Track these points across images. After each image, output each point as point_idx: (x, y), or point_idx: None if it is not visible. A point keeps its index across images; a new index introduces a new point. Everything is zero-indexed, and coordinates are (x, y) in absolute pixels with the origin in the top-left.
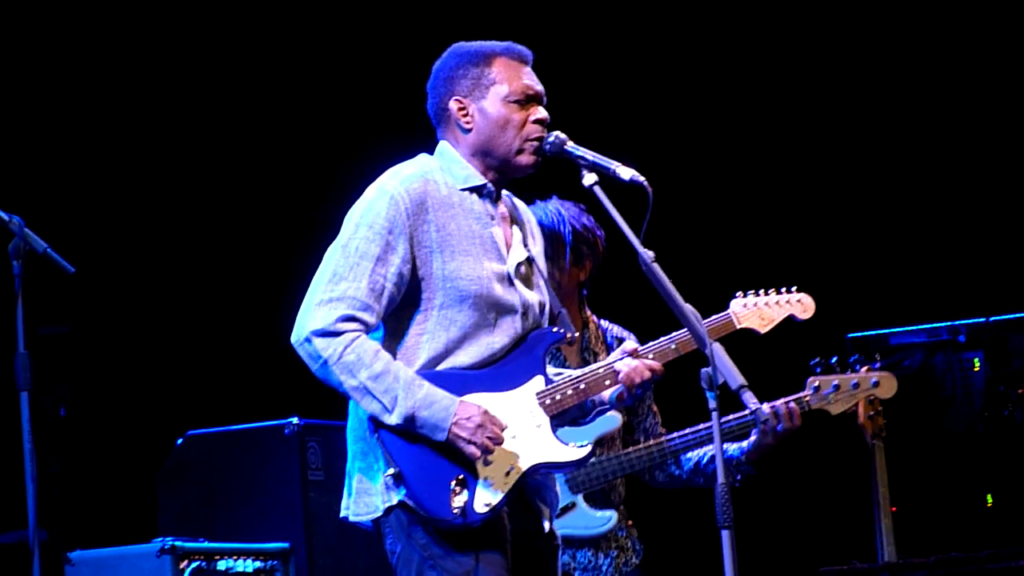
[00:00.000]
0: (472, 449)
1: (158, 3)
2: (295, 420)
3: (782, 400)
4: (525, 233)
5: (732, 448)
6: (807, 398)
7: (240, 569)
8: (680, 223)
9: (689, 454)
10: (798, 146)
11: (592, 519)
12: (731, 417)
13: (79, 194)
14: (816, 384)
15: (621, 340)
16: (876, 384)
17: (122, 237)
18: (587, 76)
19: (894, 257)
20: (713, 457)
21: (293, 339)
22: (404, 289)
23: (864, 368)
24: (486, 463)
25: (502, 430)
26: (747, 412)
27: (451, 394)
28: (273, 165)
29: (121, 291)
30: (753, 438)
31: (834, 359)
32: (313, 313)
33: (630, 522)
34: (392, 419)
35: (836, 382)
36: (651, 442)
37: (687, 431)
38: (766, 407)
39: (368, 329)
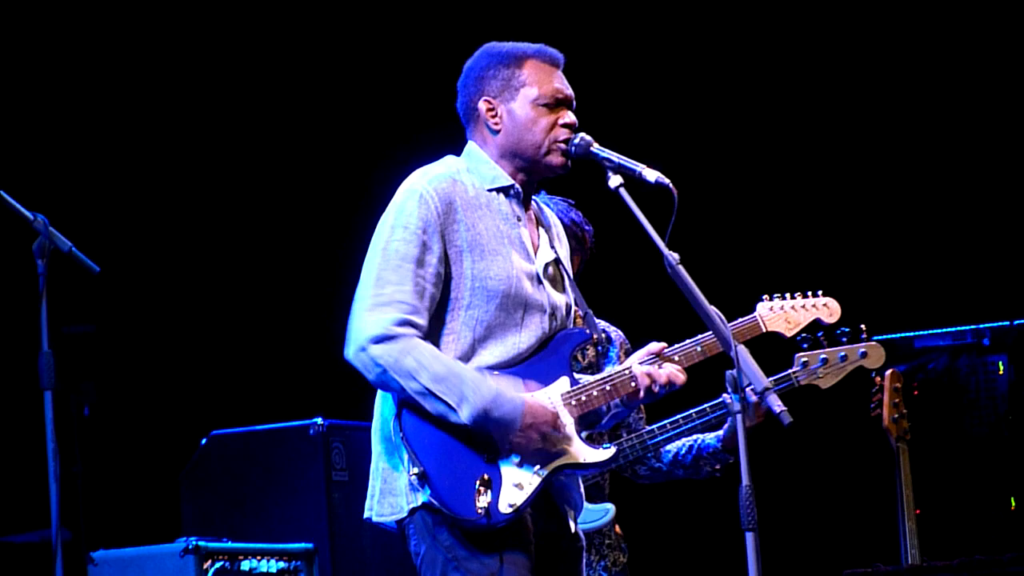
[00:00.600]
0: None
1: (196, 3)
2: (320, 420)
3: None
4: (552, 236)
5: (709, 438)
6: (796, 374)
7: (264, 569)
8: (706, 226)
9: (668, 446)
10: (825, 150)
11: (591, 513)
12: (707, 406)
13: (104, 193)
14: (804, 360)
15: (609, 337)
16: (864, 355)
17: (147, 236)
18: (614, 79)
19: (920, 260)
20: (691, 447)
21: (350, 349)
22: (441, 288)
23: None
24: (511, 463)
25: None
26: (720, 401)
27: (517, 388)
28: (302, 166)
29: (146, 290)
30: (728, 425)
31: (820, 333)
32: (365, 320)
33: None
34: (461, 418)
35: (824, 356)
36: (632, 436)
37: (665, 423)
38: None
39: (421, 332)
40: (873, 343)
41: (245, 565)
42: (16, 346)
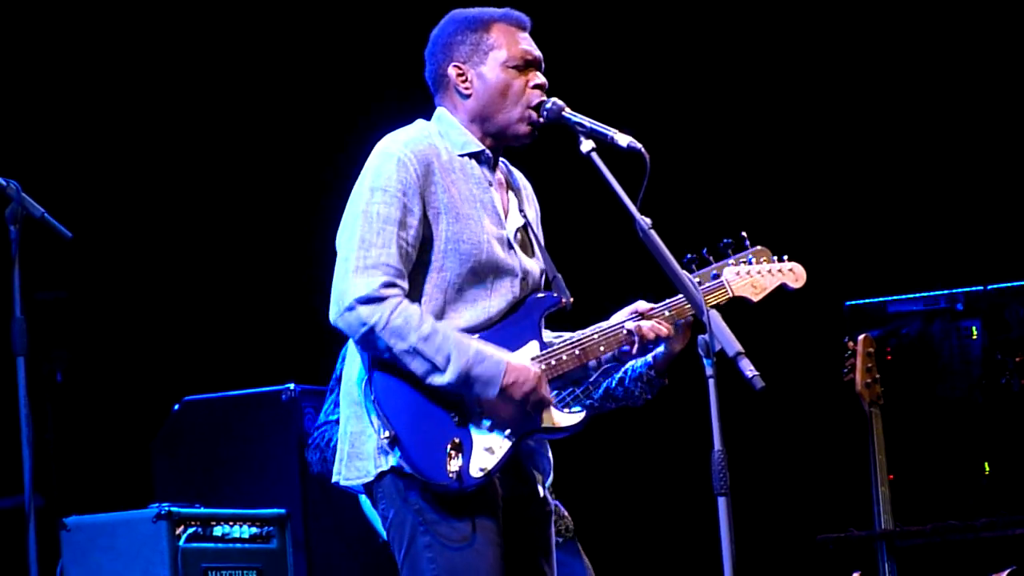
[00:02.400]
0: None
1: None
2: (291, 386)
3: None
4: (521, 199)
5: (637, 363)
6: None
7: (236, 535)
8: (675, 190)
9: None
10: (795, 114)
11: None
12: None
13: (77, 159)
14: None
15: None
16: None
17: (119, 202)
18: (582, 43)
19: (892, 225)
20: (621, 379)
21: (334, 310)
22: (417, 250)
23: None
24: (482, 428)
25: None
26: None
27: (500, 348)
28: (274, 132)
29: (118, 257)
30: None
31: (704, 250)
32: (352, 281)
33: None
34: (445, 378)
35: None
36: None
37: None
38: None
39: (405, 293)
40: (758, 247)
41: (217, 531)
42: None
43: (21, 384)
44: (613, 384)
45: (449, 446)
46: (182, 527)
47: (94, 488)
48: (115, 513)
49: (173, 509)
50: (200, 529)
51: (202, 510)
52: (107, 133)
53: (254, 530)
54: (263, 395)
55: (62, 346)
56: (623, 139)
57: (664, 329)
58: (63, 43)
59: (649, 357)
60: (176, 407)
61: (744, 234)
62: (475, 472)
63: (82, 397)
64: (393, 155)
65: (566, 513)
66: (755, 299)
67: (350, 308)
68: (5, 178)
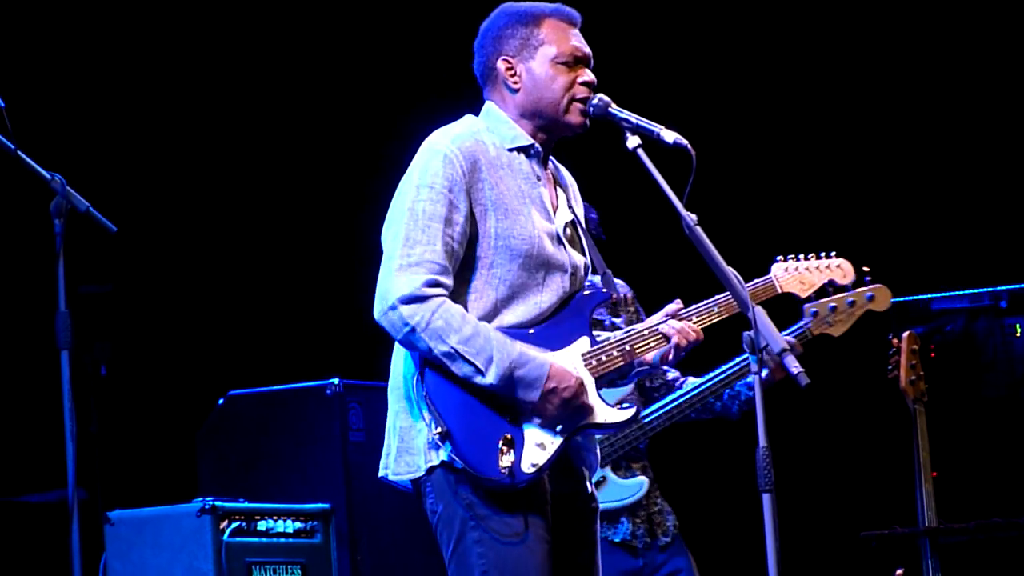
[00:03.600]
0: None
1: None
2: (336, 381)
3: (786, 335)
4: (569, 195)
5: (737, 385)
6: (808, 324)
7: (280, 529)
8: (723, 187)
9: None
10: (844, 112)
11: (624, 488)
12: (724, 369)
13: (122, 153)
14: (814, 310)
15: (625, 296)
16: (872, 298)
17: (164, 196)
18: (632, 40)
19: (937, 222)
20: (721, 395)
21: (378, 308)
22: (465, 247)
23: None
24: (533, 424)
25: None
26: (741, 359)
27: (541, 351)
28: (321, 129)
29: (163, 250)
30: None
31: (826, 282)
32: (395, 279)
33: (657, 492)
34: (487, 380)
35: (832, 303)
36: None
37: (703, 382)
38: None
39: (449, 292)
40: (879, 285)
41: (262, 525)
42: (33, 306)
43: (65, 378)
44: (712, 400)
45: (501, 442)
46: (226, 521)
47: (138, 482)
48: (159, 507)
49: (217, 503)
50: (244, 524)
51: (246, 504)
52: (153, 127)
53: (298, 525)
54: (308, 390)
55: (106, 340)
56: (669, 135)
57: (694, 334)
58: (111, 39)
59: (751, 378)
60: (221, 401)
61: (866, 269)
62: (527, 468)
63: (126, 391)
64: (440, 151)
65: (664, 513)
66: (803, 295)
67: (392, 307)
68: (50, 172)
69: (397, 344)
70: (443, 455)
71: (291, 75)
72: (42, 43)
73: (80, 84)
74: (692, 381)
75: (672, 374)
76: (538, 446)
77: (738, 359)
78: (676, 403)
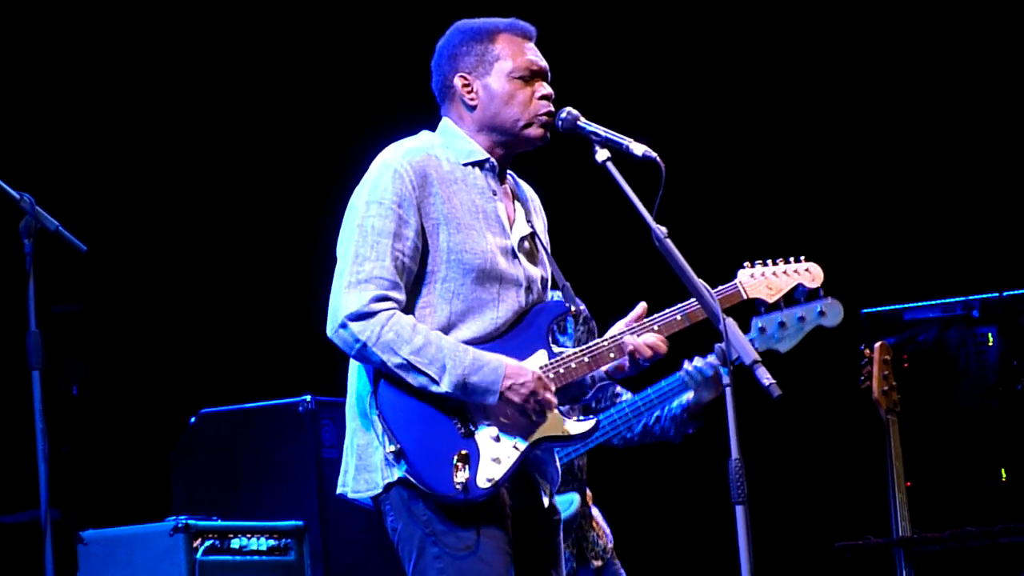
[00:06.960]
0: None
1: None
2: (308, 398)
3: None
4: (528, 209)
5: (674, 404)
6: (752, 341)
7: (254, 547)
8: (693, 198)
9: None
10: (812, 120)
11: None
12: (662, 384)
13: (91, 172)
14: (760, 325)
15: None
16: (821, 313)
17: (134, 215)
18: (593, 52)
19: (908, 232)
20: (658, 417)
21: (329, 328)
22: (418, 262)
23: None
24: (489, 438)
25: (550, 397)
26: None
27: (498, 355)
28: (281, 144)
29: (134, 269)
30: (691, 395)
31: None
32: (344, 297)
33: (592, 511)
34: (442, 388)
35: (780, 319)
36: (612, 411)
37: (637, 399)
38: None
39: (400, 306)
40: (830, 300)
41: (235, 543)
42: (3, 326)
43: (37, 398)
44: (651, 422)
45: (456, 457)
46: (199, 540)
47: (111, 502)
48: (132, 526)
49: (190, 522)
50: (218, 542)
51: (219, 523)
52: (121, 146)
53: (272, 542)
54: (280, 407)
55: (78, 359)
56: (638, 148)
57: (662, 346)
58: (76, 57)
59: (684, 399)
60: (193, 420)
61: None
62: (482, 483)
63: (98, 410)
64: (390, 166)
65: (608, 531)
66: (770, 300)
67: (343, 325)
68: (19, 191)
69: (352, 361)
70: (399, 472)
71: (256, 94)
72: (9, 63)
73: (49, 104)
74: (627, 397)
75: (618, 389)
76: (494, 461)
77: (672, 378)
78: (610, 419)
